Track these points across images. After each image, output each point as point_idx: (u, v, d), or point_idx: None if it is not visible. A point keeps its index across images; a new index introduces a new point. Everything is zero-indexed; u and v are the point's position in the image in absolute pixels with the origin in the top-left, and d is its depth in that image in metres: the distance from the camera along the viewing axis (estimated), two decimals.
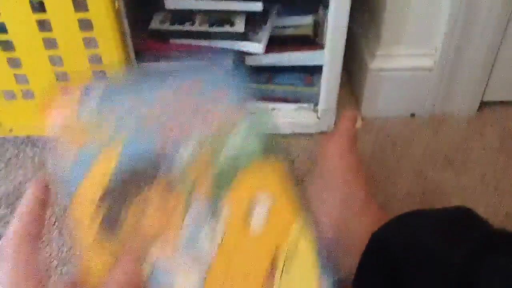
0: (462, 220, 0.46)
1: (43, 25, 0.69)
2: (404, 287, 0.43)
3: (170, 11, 0.79)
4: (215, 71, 0.33)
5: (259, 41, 0.78)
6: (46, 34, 0.70)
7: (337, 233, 0.59)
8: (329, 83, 0.79)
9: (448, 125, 0.88)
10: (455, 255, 0.41)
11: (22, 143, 0.85)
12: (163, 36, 0.79)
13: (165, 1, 0.77)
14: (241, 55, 0.82)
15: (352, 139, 0.67)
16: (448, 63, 0.83)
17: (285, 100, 0.87)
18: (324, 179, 0.65)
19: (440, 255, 0.42)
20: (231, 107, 0.31)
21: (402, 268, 0.44)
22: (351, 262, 0.51)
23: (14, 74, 0.75)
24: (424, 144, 0.84)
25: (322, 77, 0.79)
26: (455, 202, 0.74)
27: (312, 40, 0.81)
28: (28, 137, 0.86)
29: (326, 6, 0.75)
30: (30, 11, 0.67)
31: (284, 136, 0.86)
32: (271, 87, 0.87)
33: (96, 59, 0.73)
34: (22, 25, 0.68)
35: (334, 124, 0.85)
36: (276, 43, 0.81)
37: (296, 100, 0.86)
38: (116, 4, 0.67)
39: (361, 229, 0.57)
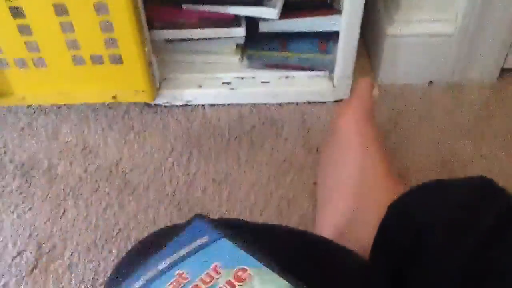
0: (483, 190, 0.45)
1: None
2: (424, 255, 0.42)
3: None
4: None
5: (273, 6, 0.76)
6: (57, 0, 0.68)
7: (354, 205, 0.58)
8: (345, 50, 0.77)
9: (468, 92, 0.86)
10: (476, 226, 0.40)
11: (34, 112, 0.85)
12: (175, 2, 0.77)
13: None
14: (254, 22, 0.80)
15: (369, 107, 0.65)
16: (469, 29, 0.80)
17: (299, 67, 0.85)
18: (339, 149, 0.64)
19: (462, 225, 0.41)
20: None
21: (422, 237, 0.43)
22: (369, 232, 0.51)
23: (25, 41, 0.73)
24: (443, 112, 0.82)
25: (339, 44, 0.77)
26: (475, 171, 0.73)
27: (328, 5, 0.78)
28: (40, 106, 0.85)
29: None
30: None
31: (299, 104, 0.84)
32: (285, 54, 0.85)
33: (107, 26, 0.71)
34: None
35: (350, 92, 0.83)
36: (290, 9, 0.79)
37: (310, 68, 0.84)
38: None
39: (379, 199, 0.57)
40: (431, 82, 0.87)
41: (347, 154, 0.60)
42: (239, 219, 0.42)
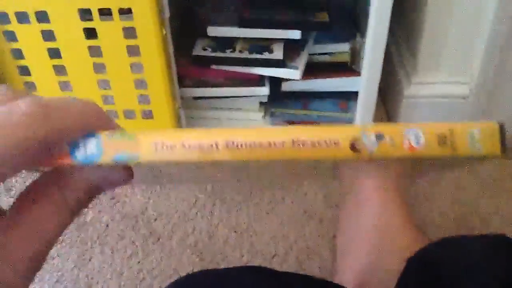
0: (502, 248, 0.46)
1: (94, 50, 0.73)
2: None
3: (212, 38, 0.82)
4: None
5: (296, 68, 0.80)
6: (96, 59, 0.74)
7: (375, 255, 0.60)
8: (364, 109, 0.81)
9: None
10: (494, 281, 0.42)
11: None
12: (205, 62, 0.82)
13: (207, 29, 0.81)
14: (278, 81, 0.85)
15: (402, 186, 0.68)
16: (484, 91, 0.83)
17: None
18: (360, 202, 0.66)
19: (478, 280, 0.43)
20: None
21: (445, 286, 0.44)
22: (389, 283, 0.52)
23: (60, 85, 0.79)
24: (460, 169, 0.84)
25: (358, 103, 0.81)
26: (492, 228, 0.74)
27: (348, 67, 0.83)
28: None
29: (363, 33, 0.78)
30: (83, 36, 0.71)
31: (320, 161, 0.87)
32: (306, 112, 0.89)
33: (141, 84, 0.76)
34: (74, 50, 0.73)
35: None
36: (312, 69, 0.84)
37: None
38: (163, 31, 0.70)
39: (400, 250, 0.58)
40: None
41: (367, 207, 0.63)
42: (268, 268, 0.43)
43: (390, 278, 0.52)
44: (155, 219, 0.79)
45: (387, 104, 0.94)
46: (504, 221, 0.76)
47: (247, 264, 0.71)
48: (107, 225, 0.78)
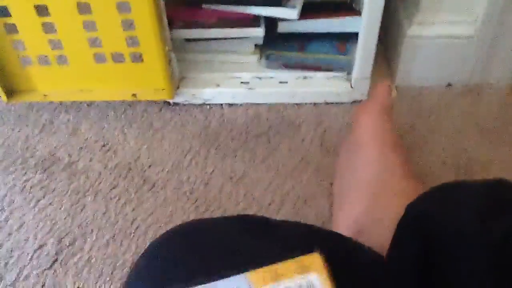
0: (500, 193, 0.45)
1: None
2: (439, 261, 0.42)
3: None
4: None
5: (293, 7, 0.76)
6: None
7: (372, 204, 0.59)
8: (364, 51, 0.77)
9: (486, 95, 0.85)
10: (493, 231, 0.40)
11: (55, 109, 0.86)
12: (195, 2, 0.78)
13: None
14: (273, 22, 0.81)
15: (388, 109, 0.65)
16: (489, 32, 0.79)
17: (317, 68, 0.85)
18: (357, 149, 0.64)
19: (478, 230, 0.41)
20: None
21: (438, 241, 0.43)
22: (387, 231, 0.51)
23: (49, 39, 0.75)
24: (461, 114, 0.82)
25: (358, 45, 0.77)
26: (492, 174, 0.73)
27: (348, 6, 0.79)
28: (61, 103, 0.87)
29: None
30: None
31: (316, 105, 0.85)
32: (303, 55, 0.85)
33: (128, 24, 0.72)
34: None
35: (368, 93, 0.83)
36: (309, 9, 0.79)
37: (329, 69, 0.85)
38: None
39: (398, 199, 0.57)
40: (449, 84, 0.87)
41: (365, 154, 0.61)
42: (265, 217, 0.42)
43: (388, 226, 0.51)
44: (149, 167, 0.77)
45: (388, 46, 0.90)
46: (504, 169, 0.74)
47: (243, 213, 0.70)
48: (99, 174, 0.76)
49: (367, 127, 0.62)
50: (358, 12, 0.76)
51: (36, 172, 0.77)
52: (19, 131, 0.83)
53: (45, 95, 0.83)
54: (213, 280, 0.29)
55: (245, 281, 0.29)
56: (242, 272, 0.29)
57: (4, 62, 0.78)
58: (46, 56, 0.78)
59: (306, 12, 0.78)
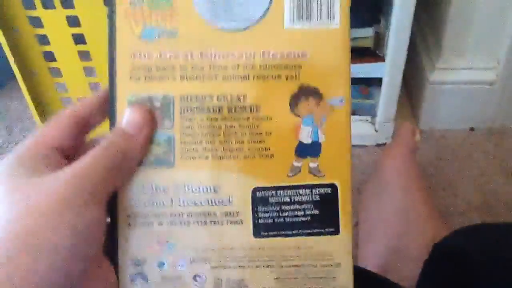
0: None
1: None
2: None
3: None
4: None
5: None
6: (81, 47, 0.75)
7: (398, 243, 0.60)
8: (388, 95, 0.80)
9: (510, 138, 0.86)
10: None
11: None
12: None
13: None
14: None
15: (412, 151, 0.67)
16: (511, 78, 0.82)
17: None
18: (382, 189, 0.66)
19: None
20: None
21: (473, 275, 0.44)
22: (413, 270, 0.52)
23: (89, 82, 0.80)
24: (485, 157, 0.83)
25: (382, 89, 0.80)
26: None
27: (372, 52, 0.82)
28: None
29: (387, 18, 0.76)
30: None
31: None
32: None
33: None
34: (97, 36, 0.73)
35: (392, 136, 0.85)
36: None
37: (353, 112, 0.87)
38: None
39: (423, 238, 0.58)
40: (472, 128, 0.89)
41: (390, 193, 0.62)
42: None
43: (414, 264, 0.52)
44: None
45: (411, 90, 0.93)
46: None
47: None
48: None
49: (392, 168, 0.64)
50: (381, 58, 0.79)
51: None
52: None
53: None
54: None
55: None
56: None
57: (47, 102, 0.83)
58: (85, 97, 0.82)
59: None
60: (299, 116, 0.30)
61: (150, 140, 0.29)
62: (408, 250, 0.57)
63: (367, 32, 0.82)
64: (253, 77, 0.30)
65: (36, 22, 0.73)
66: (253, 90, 0.30)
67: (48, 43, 0.75)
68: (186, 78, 0.30)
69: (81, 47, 0.75)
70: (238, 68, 0.30)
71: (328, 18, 0.30)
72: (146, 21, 0.30)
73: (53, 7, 0.70)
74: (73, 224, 0.24)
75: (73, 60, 0.76)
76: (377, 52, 0.82)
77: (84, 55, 0.76)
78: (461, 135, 0.88)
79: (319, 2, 0.30)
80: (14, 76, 0.76)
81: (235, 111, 0.30)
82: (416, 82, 0.89)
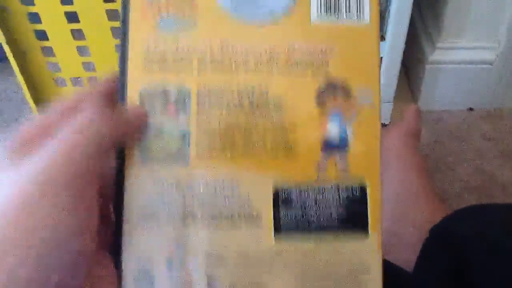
0: None
1: (112, 15, 0.72)
2: (469, 280, 0.43)
3: None
4: None
5: None
6: (114, 23, 0.73)
7: (394, 226, 0.59)
8: (387, 75, 0.79)
9: (508, 119, 0.86)
10: None
11: None
12: None
13: None
14: None
15: (415, 133, 0.67)
16: (511, 57, 0.81)
17: None
18: (383, 169, 0.65)
19: (508, 249, 0.42)
20: None
21: (468, 261, 0.44)
22: (409, 252, 0.52)
23: (83, 62, 0.78)
24: (483, 138, 0.83)
25: (381, 69, 0.79)
26: None
27: None
28: None
29: None
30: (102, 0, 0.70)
31: None
32: None
33: None
34: (92, 14, 0.72)
35: (391, 117, 0.84)
36: None
37: None
38: None
39: (421, 221, 0.57)
40: (471, 108, 0.88)
41: (388, 176, 0.62)
42: None
43: (412, 248, 0.52)
44: None
45: (410, 70, 0.92)
46: None
47: None
48: None
49: (392, 150, 0.64)
50: (381, 38, 0.78)
51: None
52: None
53: None
54: None
55: None
56: None
57: (39, 82, 0.81)
58: (79, 78, 0.81)
59: None
60: (326, 112, 0.28)
61: (159, 134, 0.28)
62: (405, 234, 0.57)
63: None
64: (277, 72, 0.28)
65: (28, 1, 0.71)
66: (277, 84, 0.28)
67: (39, 21, 0.73)
68: (205, 71, 0.28)
69: (75, 26, 0.74)
70: (261, 62, 0.28)
71: (357, 13, 0.28)
72: (163, 12, 0.28)
73: None
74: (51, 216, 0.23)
75: (66, 39, 0.75)
76: None
77: (78, 34, 0.75)
78: (459, 116, 0.87)
79: None
80: (3, 58, 0.75)
81: (257, 106, 0.28)
82: (415, 62, 0.88)
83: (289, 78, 0.28)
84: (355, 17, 0.28)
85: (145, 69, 0.28)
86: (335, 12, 0.28)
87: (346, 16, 0.28)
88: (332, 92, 0.28)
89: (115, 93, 0.28)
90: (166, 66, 0.28)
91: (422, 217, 0.58)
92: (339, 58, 0.28)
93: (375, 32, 0.28)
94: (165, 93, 0.28)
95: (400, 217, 0.60)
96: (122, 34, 0.28)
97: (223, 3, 0.28)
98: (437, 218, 0.52)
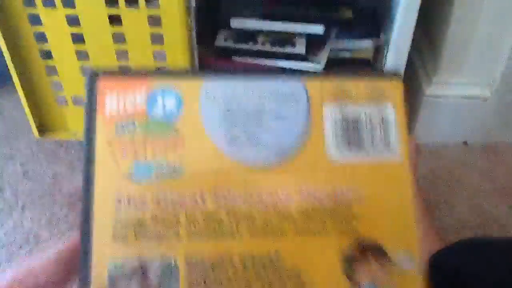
0: None
1: (117, 37, 0.73)
2: None
3: (234, 30, 0.82)
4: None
5: (318, 62, 0.80)
6: (120, 46, 0.74)
7: None
8: None
9: (503, 154, 0.87)
10: None
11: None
12: (227, 53, 0.82)
13: (231, 20, 0.80)
14: (298, 75, 0.84)
15: (413, 165, 0.68)
16: (505, 94, 0.83)
17: None
18: None
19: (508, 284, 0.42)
20: None
21: None
22: None
23: None
24: (479, 173, 0.84)
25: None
26: (511, 232, 0.74)
27: (370, 63, 0.83)
28: None
29: (387, 32, 0.77)
30: (108, 22, 0.71)
31: None
32: None
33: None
34: (98, 36, 0.73)
35: None
36: (333, 65, 0.83)
37: None
38: (188, 20, 0.70)
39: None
40: (465, 142, 0.89)
41: None
42: None
43: None
44: None
45: (406, 103, 0.94)
46: None
47: None
48: None
49: None
50: (380, 71, 0.79)
51: (62, 207, 0.79)
52: (48, 167, 0.86)
53: (75, 134, 0.86)
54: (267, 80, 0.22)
55: (302, 90, 0.22)
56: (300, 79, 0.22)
57: (41, 101, 0.82)
58: (80, 96, 0.82)
59: (331, 67, 0.82)
60: (358, 283, 0.21)
61: None
62: None
63: (367, 44, 0.83)
64: (290, 229, 0.21)
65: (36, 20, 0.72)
66: (290, 247, 0.21)
67: (46, 40, 0.74)
68: (196, 233, 0.21)
69: (80, 47, 0.75)
70: (268, 217, 0.21)
71: (384, 146, 0.23)
72: (138, 154, 0.21)
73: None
74: None
75: (70, 59, 0.76)
76: (375, 63, 0.82)
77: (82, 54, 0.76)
78: (455, 150, 0.89)
79: (368, 126, 0.23)
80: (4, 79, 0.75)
81: (266, 276, 0.21)
82: (412, 95, 0.90)
83: (306, 236, 0.21)
84: (382, 152, 0.23)
85: (115, 237, 0.20)
86: (356, 147, 0.23)
87: (371, 151, 0.23)
88: (364, 256, 0.22)
89: (76, 266, 0.21)
90: (144, 231, 0.20)
91: (423, 245, 0.58)
92: (367, 206, 0.22)
93: (407, 170, 0.23)
94: (143, 269, 0.20)
95: None
96: (84, 187, 0.21)
97: (217, 141, 0.22)
98: (434, 248, 0.53)
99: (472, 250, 0.49)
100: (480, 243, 0.50)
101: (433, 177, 0.83)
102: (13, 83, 0.77)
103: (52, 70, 0.78)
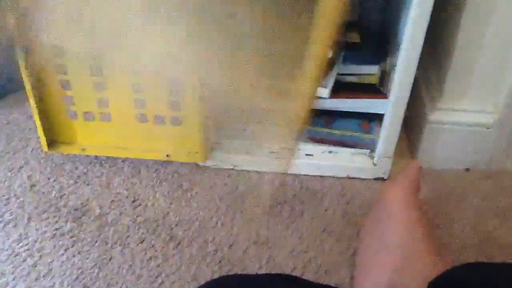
0: None
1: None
2: None
3: None
4: None
5: (325, 86, 0.82)
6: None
7: (395, 277, 0.60)
8: (388, 132, 0.82)
9: (506, 181, 0.89)
10: None
11: (91, 162, 0.90)
12: None
13: None
14: None
15: (417, 188, 0.69)
16: (509, 122, 0.84)
17: (342, 144, 0.90)
18: (383, 222, 0.67)
19: None
20: None
21: None
22: None
23: (97, 97, 0.80)
24: (481, 199, 0.85)
25: (383, 125, 0.82)
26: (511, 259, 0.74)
27: (376, 88, 0.84)
28: (97, 157, 0.91)
29: (392, 57, 0.79)
30: None
31: (339, 178, 0.88)
32: (329, 130, 0.90)
33: (174, 90, 0.78)
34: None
35: (390, 172, 0.87)
36: (339, 88, 0.85)
37: (353, 145, 0.89)
38: None
39: (421, 274, 0.59)
40: (467, 169, 0.91)
41: (391, 227, 0.63)
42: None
43: None
44: (176, 225, 0.80)
45: (410, 128, 0.95)
46: None
47: None
48: (128, 227, 0.79)
49: (396, 199, 0.65)
50: (385, 95, 0.81)
51: (67, 220, 0.80)
52: (54, 180, 0.87)
53: (83, 149, 0.87)
54: None
55: None
56: None
57: (52, 114, 0.83)
58: (91, 112, 0.83)
59: (336, 91, 0.84)
60: None
61: None
62: (405, 284, 0.58)
63: (373, 70, 0.85)
64: None
65: None
66: None
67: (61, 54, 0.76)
68: None
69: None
70: None
71: None
72: None
73: None
74: None
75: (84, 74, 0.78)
76: (381, 89, 0.84)
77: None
78: (457, 175, 0.90)
79: None
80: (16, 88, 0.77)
81: None
82: (416, 121, 0.91)
83: None
84: None
85: None
86: None
87: None
88: None
89: None
90: None
91: (423, 271, 0.59)
92: None
93: None
94: None
95: (401, 269, 0.61)
96: None
97: None
98: (438, 271, 0.53)
99: (474, 273, 0.50)
100: (481, 266, 0.51)
101: (434, 201, 0.84)
102: (23, 92, 0.79)
103: (65, 85, 0.80)
